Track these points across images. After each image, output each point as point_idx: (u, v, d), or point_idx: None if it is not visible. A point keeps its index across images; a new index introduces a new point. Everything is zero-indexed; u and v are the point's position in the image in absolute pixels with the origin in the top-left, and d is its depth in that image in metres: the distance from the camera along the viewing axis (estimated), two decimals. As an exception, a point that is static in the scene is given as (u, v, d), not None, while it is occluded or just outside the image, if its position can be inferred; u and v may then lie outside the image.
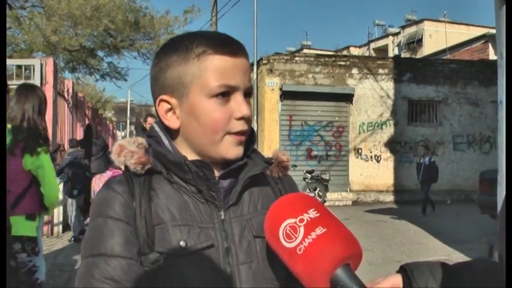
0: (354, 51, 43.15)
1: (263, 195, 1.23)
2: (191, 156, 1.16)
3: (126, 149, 1.16)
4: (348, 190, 17.45)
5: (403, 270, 1.03)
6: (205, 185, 1.14)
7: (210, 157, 1.16)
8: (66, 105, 12.22)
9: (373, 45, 44.94)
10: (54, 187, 3.94)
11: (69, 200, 9.56)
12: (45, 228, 9.44)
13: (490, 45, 21.99)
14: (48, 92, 9.54)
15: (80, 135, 13.95)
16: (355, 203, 17.09)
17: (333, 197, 16.75)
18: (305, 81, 17.30)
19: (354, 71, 17.68)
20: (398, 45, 41.62)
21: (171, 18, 18.63)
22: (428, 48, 35.55)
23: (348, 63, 17.83)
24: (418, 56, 33.71)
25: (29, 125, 3.73)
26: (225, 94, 1.12)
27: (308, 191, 16.06)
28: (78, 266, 1.11)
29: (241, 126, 1.14)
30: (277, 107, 17.05)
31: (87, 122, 16.34)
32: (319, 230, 0.97)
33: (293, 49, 47.65)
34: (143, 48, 18.29)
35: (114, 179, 1.17)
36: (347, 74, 17.62)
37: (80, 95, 15.85)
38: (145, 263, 1.08)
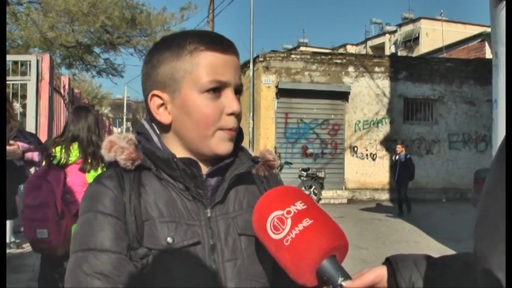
0: (351, 49, 43.20)
1: (249, 194, 1.24)
2: (181, 152, 1.18)
3: (117, 144, 1.17)
4: (344, 188, 17.49)
5: (388, 262, 1.05)
6: (192, 183, 1.15)
7: (201, 153, 1.18)
8: (62, 101, 12.20)
9: (370, 43, 44.98)
10: None
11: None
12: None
13: (486, 44, 22.01)
14: (44, 88, 9.54)
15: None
16: (350, 201, 17.12)
17: (328, 195, 16.78)
18: (301, 79, 17.31)
19: (350, 69, 17.70)
20: (395, 44, 41.69)
21: (168, 15, 18.62)
22: (425, 46, 35.61)
23: (344, 61, 17.84)
24: (415, 54, 33.74)
25: (92, 143, 4.13)
26: (216, 90, 1.14)
27: (303, 188, 16.09)
28: (68, 262, 1.11)
29: (231, 121, 1.16)
30: (273, 105, 17.06)
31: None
32: (306, 222, 0.98)
33: (290, 46, 47.68)
34: (140, 44, 18.26)
35: (105, 174, 1.18)
36: (343, 72, 17.64)
37: (76, 91, 15.81)
38: (135, 258, 1.09)
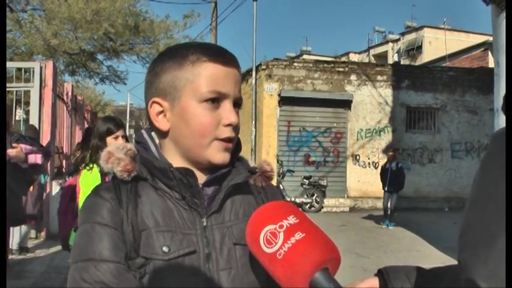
0: (354, 57, 43.20)
1: (245, 204, 1.26)
2: (178, 161, 1.20)
3: (114, 156, 1.19)
4: (346, 196, 17.46)
5: (380, 273, 1.06)
6: (188, 192, 1.17)
7: (197, 161, 1.20)
8: (65, 108, 12.26)
9: (372, 51, 44.98)
10: None
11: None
12: (42, 232, 9.48)
13: (489, 53, 21.99)
14: (48, 94, 9.59)
15: (78, 138, 13.97)
16: (352, 209, 17.09)
17: (330, 203, 16.77)
18: (304, 87, 17.34)
19: (353, 77, 17.72)
20: (398, 52, 41.69)
21: (171, 22, 18.63)
22: (427, 55, 35.61)
23: (346, 69, 17.86)
24: (418, 62, 33.75)
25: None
26: (215, 100, 1.16)
27: (305, 196, 16.09)
28: (69, 272, 1.13)
29: (228, 132, 1.18)
30: (275, 113, 17.08)
31: (86, 125, 16.36)
32: (298, 235, 0.99)
33: (293, 54, 47.68)
34: (143, 52, 18.29)
35: (102, 186, 1.20)
36: (345, 80, 17.66)
37: (79, 98, 15.89)
38: (132, 267, 1.11)
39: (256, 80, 17.22)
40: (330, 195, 16.78)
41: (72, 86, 14.25)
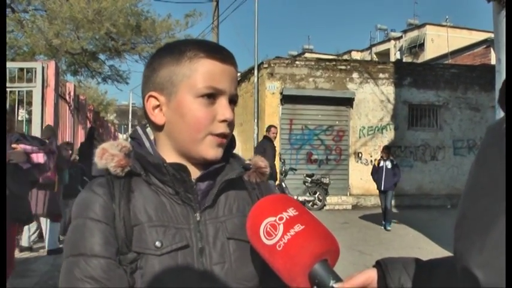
0: (356, 55, 43.19)
1: (239, 199, 1.27)
2: (172, 156, 1.22)
3: (108, 152, 1.21)
4: (348, 194, 17.45)
5: (378, 264, 1.08)
6: (182, 187, 1.18)
7: (191, 156, 1.22)
8: (67, 107, 12.27)
9: (375, 49, 44.96)
10: None
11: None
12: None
13: (492, 50, 21.94)
14: (50, 94, 9.61)
15: (81, 137, 14.00)
16: (355, 207, 17.09)
17: (332, 201, 16.77)
18: (306, 85, 17.32)
19: (355, 75, 17.69)
20: (400, 50, 41.65)
21: (173, 22, 18.65)
22: (430, 52, 35.57)
23: (348, 67, 17.83)
24: (420, 60, 33.70)
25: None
26: (211, 96, 1.18)
27: (308, 194, 16.10)
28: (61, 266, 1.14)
29: (223, 128, 1.19)
30: (277, 111, 17.07)
31: (88, 124, 16.39)
32: (298, 227, 1.01)
33: (295, 53, 47.67)
34: (144, 51, 18.29)
35: (96, 181, 1.21)
36: (347, 78, 17.63)
37: (81, 97, 15.90)
38: (124, 263, 1.12)
39: (258, 78, 17.21)
40: (332, 193, 16.77)
41: (75, 85, 14.27)
